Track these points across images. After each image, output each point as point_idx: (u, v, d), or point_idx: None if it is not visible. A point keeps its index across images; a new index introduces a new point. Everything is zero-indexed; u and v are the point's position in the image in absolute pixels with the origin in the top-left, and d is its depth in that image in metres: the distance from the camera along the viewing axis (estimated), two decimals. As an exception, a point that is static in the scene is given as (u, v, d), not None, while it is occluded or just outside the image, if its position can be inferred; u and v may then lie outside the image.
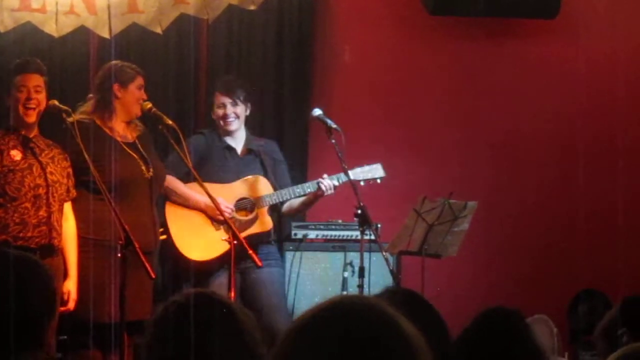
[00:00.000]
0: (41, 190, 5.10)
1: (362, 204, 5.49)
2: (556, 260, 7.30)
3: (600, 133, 7.35)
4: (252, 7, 6.86)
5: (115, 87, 5.44)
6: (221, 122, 5.97)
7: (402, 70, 7.38)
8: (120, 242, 4.66)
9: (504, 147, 7.41)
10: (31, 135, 5.23)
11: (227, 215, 5.57)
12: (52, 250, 5.11)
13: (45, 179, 5.13)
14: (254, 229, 5.83)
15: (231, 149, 5.98)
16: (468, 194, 6.13)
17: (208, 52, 7.07)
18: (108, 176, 5.17)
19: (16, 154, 5.14)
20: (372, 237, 5.59)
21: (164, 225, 5.68)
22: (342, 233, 6.51)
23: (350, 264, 6.20)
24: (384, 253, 5.52)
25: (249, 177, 5.91)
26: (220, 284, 5.48)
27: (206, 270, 5.64)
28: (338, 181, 5.82)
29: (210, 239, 5.71)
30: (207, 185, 5.60)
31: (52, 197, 5.12)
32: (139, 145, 5.48)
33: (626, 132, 7.24)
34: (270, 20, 7.10)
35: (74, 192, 5.31)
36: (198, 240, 5.74)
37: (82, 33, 6.68)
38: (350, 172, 5.75)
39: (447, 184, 6.10)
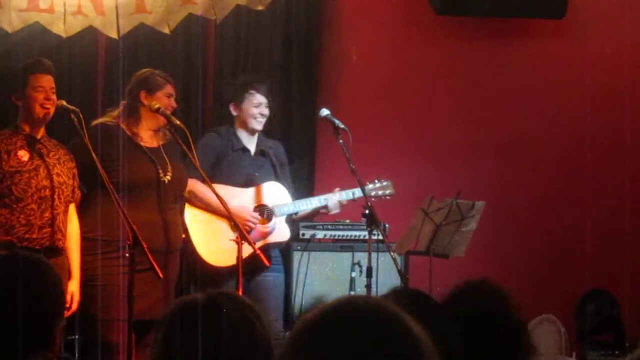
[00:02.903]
0: (47, 192, 5.06)
1: (369, 204, 5.50)
2: (563, 260, 7.29)
3: (607, 133, 7.34)
4: (260, 8, 6.88)
5: (142, 94, 5.43)
6: (252, 121, 5.92)
7: (409, 70, 7.38)
8: (129, 242, 4.69)
9: (512, 146, 7.40)
10: (38, 136, 5.17)
11: (251, 225, 5.64)
12: (56, 251, 5.09)
13: (51, 181, 5.08)
14: (272, 238, 5.79)
15: (246, 150, 5.95)
16: (476, 193, 6.13)
17: (216, 52, 7.08)
18: (124, 177, 5.18)
19: (23, 155, 5.08)
20: (380, 237, 5.59)
21: (184, 227, 5.60)
22: (349, 233, 6.50)
23: (358, 264, 6.19)
24: (391, 253, 5.52)
25: (267, 182, 5.86)
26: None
27: (220, 274, 5.50)
28: (351, 196, 5.88)
29: (231, 245, 5.57)
30: (223, 187, 5.59)
31: (57, 199, 5.09)
32: (163, 152, 5.47)
33: (633, 132, 7.23)
34: (278, 20, 7.10)
35: (79, 193, 5.29)
36: (217, 245, 5.60)
37: (90, 33, 6.71)
38: (363, 188, 5.76)
39: (454, 183, 6.09)
